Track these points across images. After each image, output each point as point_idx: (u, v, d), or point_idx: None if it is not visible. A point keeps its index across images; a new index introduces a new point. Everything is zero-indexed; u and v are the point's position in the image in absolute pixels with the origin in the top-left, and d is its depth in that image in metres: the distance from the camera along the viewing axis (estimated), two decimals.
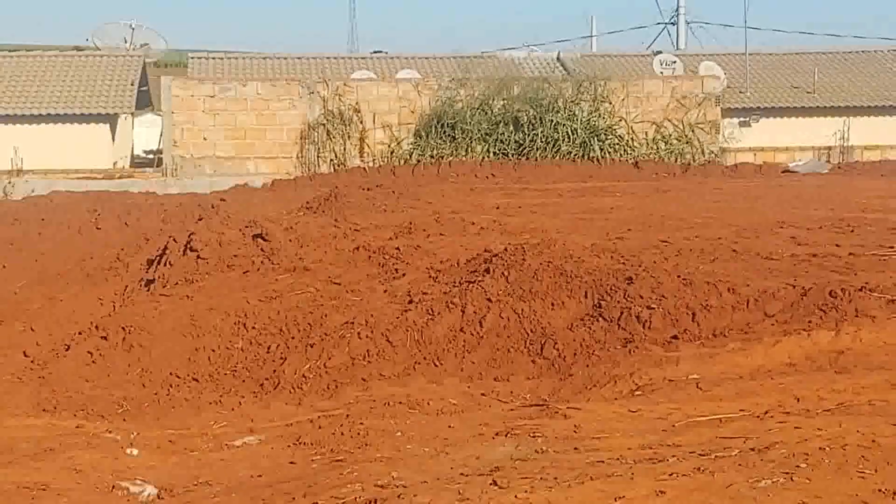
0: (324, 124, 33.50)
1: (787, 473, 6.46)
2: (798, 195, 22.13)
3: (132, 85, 39.36)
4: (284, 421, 9.53)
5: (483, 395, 9.37)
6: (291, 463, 8.10)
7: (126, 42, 45.74)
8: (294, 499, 7.14)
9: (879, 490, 6.09)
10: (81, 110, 37.67)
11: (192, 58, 42.64)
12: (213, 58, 43.68)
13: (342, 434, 8.58)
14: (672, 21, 58.29)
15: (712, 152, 33.63)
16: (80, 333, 14.51)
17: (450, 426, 8.37)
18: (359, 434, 8.48)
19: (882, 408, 7.66)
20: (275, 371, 11.32)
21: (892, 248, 13.61)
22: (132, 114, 39.94)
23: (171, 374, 12.14)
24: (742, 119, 38.19)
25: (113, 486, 7.75)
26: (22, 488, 7.69)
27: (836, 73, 43.73)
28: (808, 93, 41.54)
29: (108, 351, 13.30)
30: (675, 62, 41.51)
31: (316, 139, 33.49)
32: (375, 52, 47.40)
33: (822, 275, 11.59)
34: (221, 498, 7.48)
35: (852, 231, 15.29)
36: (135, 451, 8.73)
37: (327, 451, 8.17)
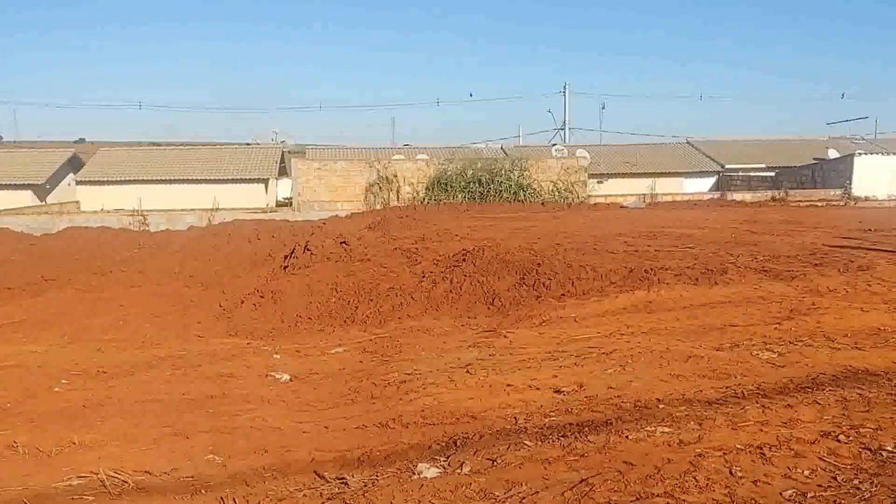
0: (377, 183, 33.54)
1: (622, 366, 6.49)
2: (628, 220, 22.12)
3: (275, 162, 40.28)
4: (357, 340, 9.53)
5: (462, 325, 9.40)
6: (360, 361, 8.11)
7: (272, 139, 46.33)
8: (362, 380, 7.15)
9: (670, 374, 6.12)
10: (250, 176, 38.24)
11: (309, 147, 42.93)
12: (319, 147, 43.95)
13: (387, 346, 8.59)
14: (562, 127, 58.97)
15: (583, 197, 33.57)
16: (249, 294, 14.51)
17: (444, 342, 8.38)
18: (396, 346, 8.49)
19: (672, 330, 7.68)
20: (351, 314, 11.32)
21: (676, 247, 13.60)
22: (276, 178, 40.24)
23: (297, 315, 12.14)
24: (599, 179, 38.20)
25: (267, 374, 7.76)
26: (219, 376, 7.70)
27: (647, 154, 43.89)
28: (633, 165, 41.63)
29: (263, 303, 13.30)
30: (563, 149, 41.58)
31: (374, 191, 33.55)
32: (405, 144, 47.48)
33: (640, 261, 11.59)
34: (324, 379, 7.49)
35: (656, 238, 15.27)
36: (277, 356, 8.74)
37: (379, 356, 8.18)
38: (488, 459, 4.58)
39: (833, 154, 38.17)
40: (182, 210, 29.39)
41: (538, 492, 4.03)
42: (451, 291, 10.96)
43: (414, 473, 4.55)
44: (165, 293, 15.90)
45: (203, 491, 4.65)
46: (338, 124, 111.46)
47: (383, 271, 12.66)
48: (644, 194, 34.36)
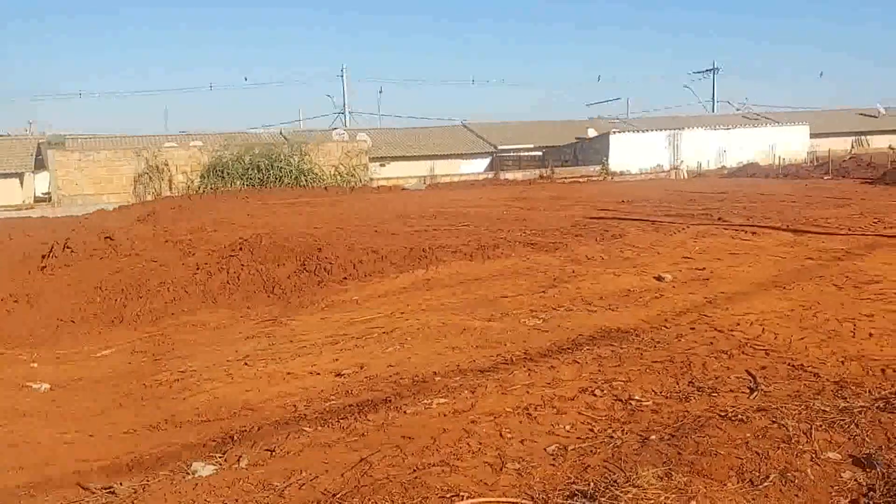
0: (147, 173, 31.66)
1: (401, 343, 6.62)
2: (409, 201, 22.59)
3: (31, 154, 37.10)
4: (126, 340, 8.95)
5: (241, 317, 9.12)
6: (129, 363, 7.62)
7: (27, 130, 42.34)
8: (132, 383, 6.73)
9: (446, 347, 6.34)
10: (1, 170, 35.02)
11: (68, 138, 39.28)
12: (82, 137, 40.33)
13: (159, 345, 8.14)
14: (342, 111, 58.92)
15: (365, 181, 33.81)
16: (1, 300, 13.09)
17: (221, 335, 8.11)
18: (169, 344, 8.07)
19: (449, 306, 7.95)
20: (119, 313, 10.56)
21: (453, 225, 14.09)
22: (32, 171, 36.75)
23: (58, 319, 11.13)
24: (381, 163, 38.63)
25: (23, 385, 7.07)
26: None
27: (426, 137, 45.04)
28: (413, 148, 42.54)
29: (17, 308, 12.05)
30: (344, 133, 41.54)
31: (144, 182, 31.63)
32: (182, 132, 44.85)
33: (420, 241, 11.88)
34: (90, 385, 6.96)
35: (435, 218, 15.74)
36: (35, 365, 8.00)
37: (151, 355, 7.73)
38: (267, 450, 4.49)
39: (592, 133, 41.30)
40: None
41: (318, 476, 4.01)
42: (228, 282, 10.58)
43: (188, 473, 4.36)
44: None
45: None
46: (107, 114, 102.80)
47: (154, 266, 11.94)
48: (424, 176, 35.22)
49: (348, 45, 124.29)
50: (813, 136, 40.58)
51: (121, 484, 4.38)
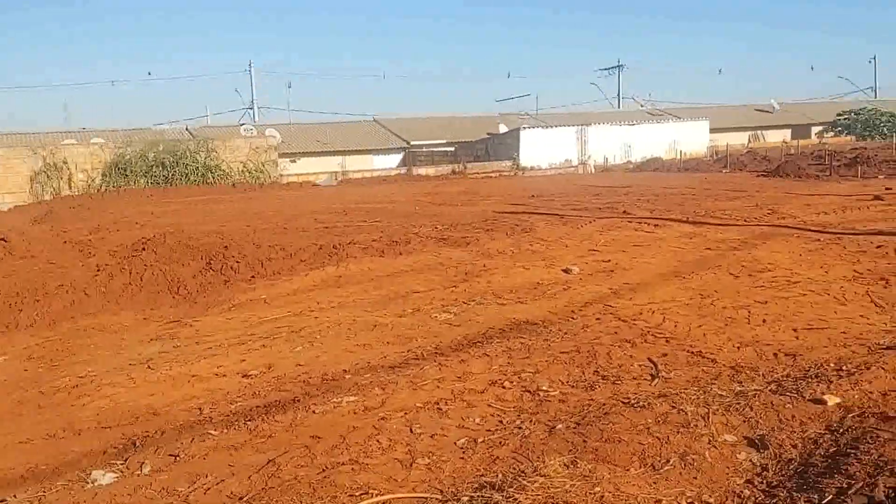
0: (45, 171, 30.23)
1: (310, 342, 6.55)
2: (320, 198, 22.35)
3: None
4: (22, 346, 8.48)
5: (144, 318, 8.78)
6: (25, 370, 7.23)
7: None
8: (27, 390, 6.41)
9: (356, 345, 6.31)
10: None
11: None
12: None
13: (57, 350, 7.76)
14: (250, 107, 57.73)
15: (275, 177, 33.24)
16: None
17: (123, 338, 7.78)
18: (67, 349, 7.70)
19: (360, 302, 7.92)
20: (14, 319, 10.00)
21: (365, 221, 14.03)
22: None
23: None
24: (291, 159, 38.04)
25: None
26: None
27: (337, 132, 44.65)
28: (324, 143, 42.09)
29: None
30: (252, 129, 40.75)
31: (41, 180, 30.19)
32: (83, 128, 42.77)
33: (330, 237, 11.78)
34: None
35: (346, 214, 15.62)
36: None
37: (48, 361, 7.37)
38: (171, 455, 4.36)
39: (503, 129, 41.77)
40: None
41: (224, 480, 3.93)
42: (130, 283, 10.17)
43: (87, 483, 4.18)
44: None
45: None
46: (1, 109, 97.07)
47: (51, 268, 11.38)
48: (336, 172, 34.90)
49: (256, 39, 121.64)
50: (713, 130, 42.20)
51: (14, 496, 4.17)
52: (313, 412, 4.73)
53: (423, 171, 34.98)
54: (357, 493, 3.59)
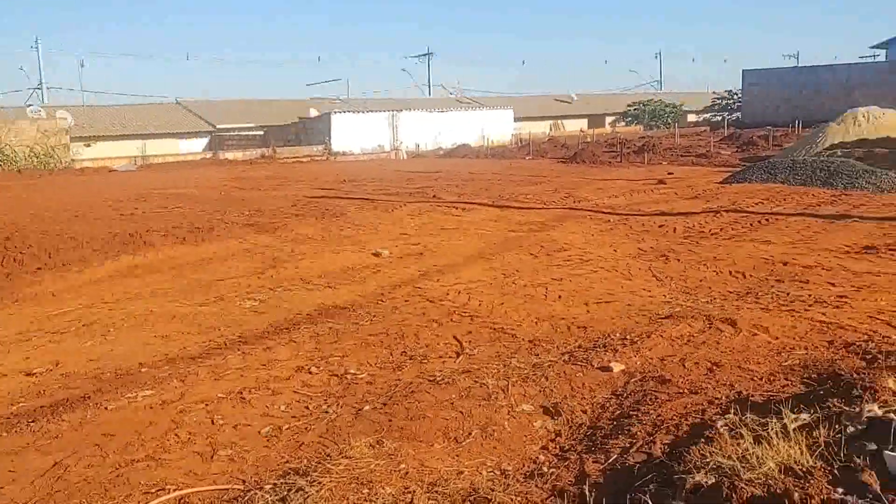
0: None
1: (103, 335, 6.16)
2: (117, 184, 20.86)
3: None
4: None
5: None
6: None
7: None
8: None
9: (154, 336, 5.98)
10: None
11: None
12: None
13: None
14: (38, 87, 52.84)
15: (67, 162, 30.71)
16: None
17: None
18: None
19: (159, 292, 7.51)
20: None
21: (166, 208, 13.26)
22: None
23: None
24: (85, 143, 35.34)
25: None
26: None
27: (138, 115, 42.03)
28: (122, 127, 39.51)
29: None
30: (40, 111, 37.28)
31: None
32: None
33: (127, 225, 11.01)
34: None
35: (146, 201, 14.68)
36: None
37: None
38: None
39: (314, 113, 41.12)
40: None
41: (2, 487, 3.58)
42: None
43: None
44: None
45: None
46: None
47: None
48: (135, 157, 32.82)
49: (46, 13, 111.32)
50: (517, 119, 44.05)
51: None
52: (105, 409, 4.42)
53: (230, 155, 33.69)
54: (153, 490, 3.40)
